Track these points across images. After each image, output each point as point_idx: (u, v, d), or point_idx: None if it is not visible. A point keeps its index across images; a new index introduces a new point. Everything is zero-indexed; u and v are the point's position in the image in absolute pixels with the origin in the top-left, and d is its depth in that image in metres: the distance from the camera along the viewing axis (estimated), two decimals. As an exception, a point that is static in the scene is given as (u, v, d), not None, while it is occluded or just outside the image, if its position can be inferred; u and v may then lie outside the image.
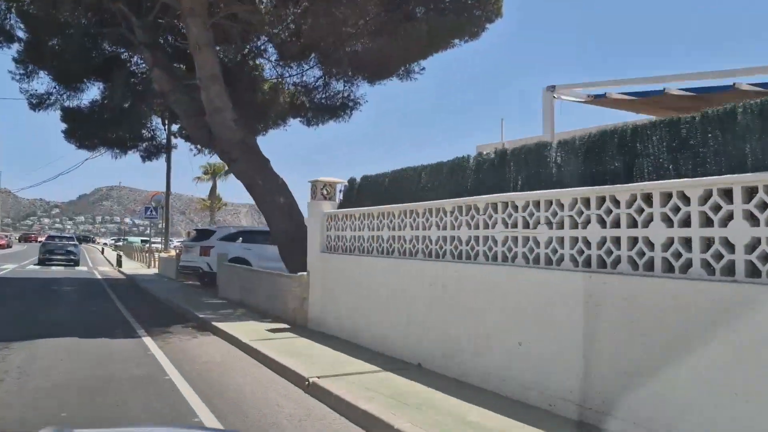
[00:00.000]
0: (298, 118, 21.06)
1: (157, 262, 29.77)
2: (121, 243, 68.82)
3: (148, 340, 9.27)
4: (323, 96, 20.27)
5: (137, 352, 8.34)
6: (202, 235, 19.26)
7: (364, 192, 8.89)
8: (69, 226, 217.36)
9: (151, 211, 28.82)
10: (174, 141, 26.66)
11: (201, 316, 11.27)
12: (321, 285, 9.52)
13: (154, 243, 57.93)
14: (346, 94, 19.99)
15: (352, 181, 9.43)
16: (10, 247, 58.59)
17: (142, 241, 64.19)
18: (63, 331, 9.87)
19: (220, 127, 15.94)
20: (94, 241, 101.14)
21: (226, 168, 54.83)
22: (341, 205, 9.69)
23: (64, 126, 21.96)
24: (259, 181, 15.85)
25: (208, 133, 16.69)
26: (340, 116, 20.34)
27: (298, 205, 15.94)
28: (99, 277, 24.29)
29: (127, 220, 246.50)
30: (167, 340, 9.36)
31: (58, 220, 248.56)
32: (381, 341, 7.63)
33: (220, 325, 10.08)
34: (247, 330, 9.54)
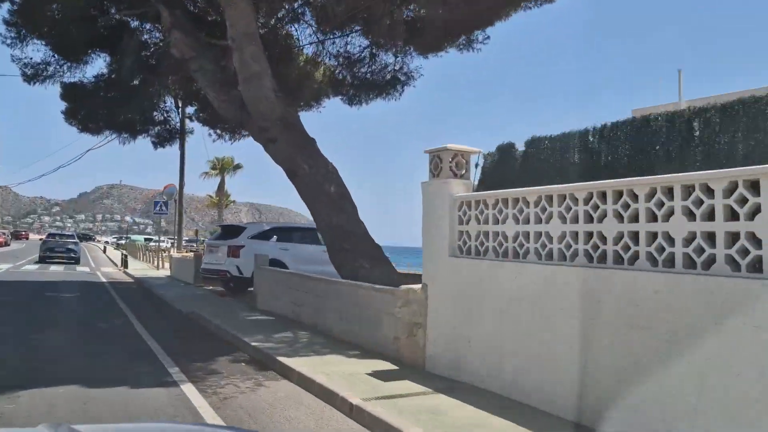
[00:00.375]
0: (339, 96, 17.68)
1: (167, 263, 26.35)
2: (123, 241, 65.36)
3: (190, 390, 5.91)
4: (369, 70, 16.90)
5: (180, 416, 5.00)
6: (229, 232, 15.83)
7: (534, 162, 5.53)
8: (69, 224, 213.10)
9: (161, 205, 25.36)
10: (189, 125, 23.12)
11: (253, 344, 7.90)
12: (452, 306, 6.15)
13: (160, 242, 54.38)
14: (397, 67, 16.62)
15: (505, 148, 6.13)
16: (8, 245, 54.92)
17: (145, 239, 60.81)
18: (61, 369, 6.57)
19: (256, 99, 12.64)
20: (94, 240, 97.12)
21: (235, 163, 51.47)
22: (481, 186, 6.35)
23: (64, 105, 18.58)
24: (304, 166, 12.55)
25: (240, 107, 13.40)
26: (389, 93, 16.95)
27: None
28: (103, 279, 20.87)
29: (128, 218, 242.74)
30: (219, 389, 6.00)
31: (58, 218, 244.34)
32: (604, 410, 4.30)
33: (291, 362, 6.72)
34: (338, 374, 6.19)
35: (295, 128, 12.95)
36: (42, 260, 28.36)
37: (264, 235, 15.08)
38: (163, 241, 54.75)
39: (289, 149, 12.66)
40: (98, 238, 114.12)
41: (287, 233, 15.53)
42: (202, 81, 14.06)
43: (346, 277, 11.16)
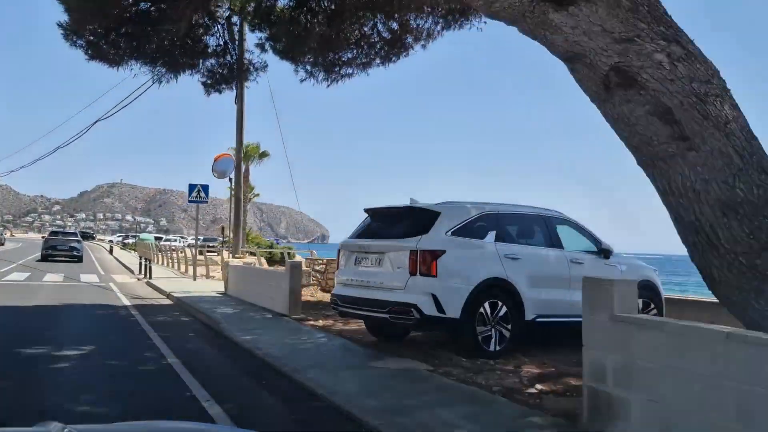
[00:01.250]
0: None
1: (202, 270, 18.35)
2: (131, 240, 57.14)
3: None
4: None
5: None
6: (396, 221, 7.50)
7: None
8: (70, 223, 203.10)
9: (198, 190, 17.40)
10: (259, 57, 14.42)
11: None
12: None
13: (170, 241, 46.09)
14: None
15: None
16: (2, 244, 46.45)
17: (155, 237, 52.58)
18: None
19: None
20: (94, 238, 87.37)
21: (261, 150, 43.13)
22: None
23: (63, 15, 10.62)
24: (658, 55, 4.55)
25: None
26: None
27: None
28: (125, 301, 12.84)
29: (129, 217, 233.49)
30: None
31: (58, 216, 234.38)
32: None
33: None
34: None
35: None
36: (44, 258, 26.97)
37: (472, 229, 7.07)
38: (175, 240, 46.50)
39: (611, 18, 4.73)
40: (99, 236, 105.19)
41: (512, 223, 7.54)
42: None
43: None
